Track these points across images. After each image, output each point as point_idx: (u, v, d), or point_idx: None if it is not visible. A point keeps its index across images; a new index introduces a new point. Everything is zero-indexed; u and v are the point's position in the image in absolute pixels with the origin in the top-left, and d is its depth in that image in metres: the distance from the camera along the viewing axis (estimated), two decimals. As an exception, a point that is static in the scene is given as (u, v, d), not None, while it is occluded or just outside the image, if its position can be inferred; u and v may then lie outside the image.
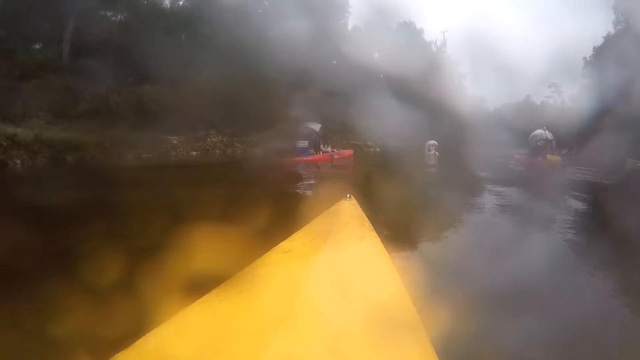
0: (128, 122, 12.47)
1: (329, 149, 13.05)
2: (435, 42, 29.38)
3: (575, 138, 13.54)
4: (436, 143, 17.56)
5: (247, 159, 12.65)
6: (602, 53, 19.22)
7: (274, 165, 9.99)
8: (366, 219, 1.59)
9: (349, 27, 24.00)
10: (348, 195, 1.83)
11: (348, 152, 13.57)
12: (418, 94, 18.03)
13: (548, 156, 12.34)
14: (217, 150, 14.46)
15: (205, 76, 12.35)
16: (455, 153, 16.72)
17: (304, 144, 12.11)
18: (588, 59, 21.47)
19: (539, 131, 13.43)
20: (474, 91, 31.95)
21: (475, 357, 1.38)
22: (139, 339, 0.71)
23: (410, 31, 26.25)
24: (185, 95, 12.77)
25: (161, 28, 14.21)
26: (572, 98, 25.30)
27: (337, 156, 12.49)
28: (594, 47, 20.84)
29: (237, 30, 14.66)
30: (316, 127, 12.73)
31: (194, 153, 13.53)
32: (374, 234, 1.40)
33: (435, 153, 16.81)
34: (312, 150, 12.18)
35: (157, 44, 12.64)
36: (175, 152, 13.32)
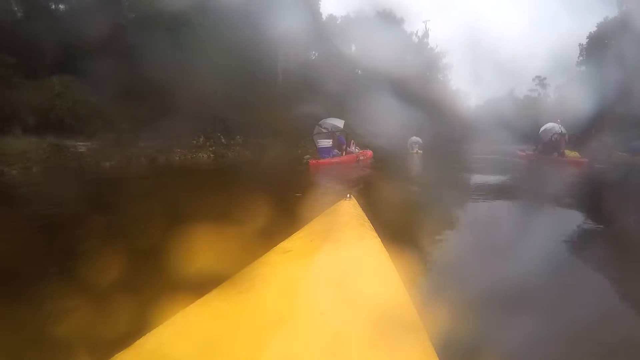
0: (24, 125, 9.65)
1: (354, 148, 11.33)
2: (417, 32, 28.46)
3: (581, 132, 12.54)
4: (420, 140, 15.64)
5: (199, 169, 10.18)
6: (599, 40, 18.73)
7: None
8: (366, 219, 1.59)
9: (323, 16, 22.01)
10: (348, 195, 1.84)
11: (369, 152, 12.10)
12: (399, 88, 16.49)
13: (566, 152, 11.20)
14: (143, 158, 11.15)
15: (144, 65, 9.81)
16: (442, 152, 14.91)
17: (326, 143, 10.25)
18: (584, 44, 20.97)
19: (551, 124, 12.19)
20: (458, 85, 30.79)
21: (475, 357, 1.38)
22: (139, 339, 0.72)
23: (389, 21, 24.67)
24: (112, 89, 10.21)
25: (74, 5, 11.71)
26: (558, 90, 25.01)
27: (362, 157, 10.93)
28: (590, 33, 20.35)
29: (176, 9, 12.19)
30: (339, 123, 10.92)
31: (107, 164, 10.12)
32: (374, 234, 1.40)
33: (417, 152, 15.04)
34: (336, 150, 10.39)
35: (76, 25, 10.23)
36: (80, 162, 9.86)
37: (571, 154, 11.08)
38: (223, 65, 12.23)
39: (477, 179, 7.83)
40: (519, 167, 10.92)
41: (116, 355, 0.68)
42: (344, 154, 10.58)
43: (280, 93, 15.01)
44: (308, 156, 10.20)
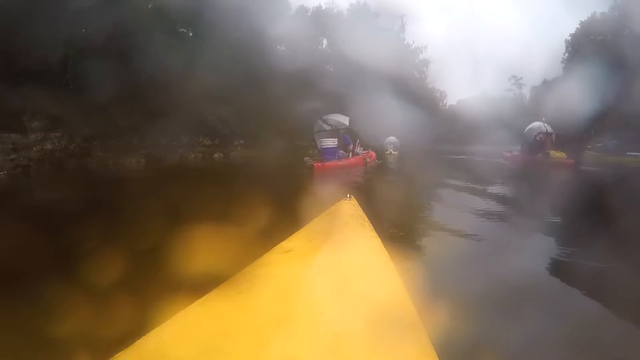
0: None
1: (360, 149, 9.95)
2: (393, 27, 27.80)
3: (567, 131, 11.87)
4: (396, 141, 14.70)
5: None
6: (586, 35, 18.46)
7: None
8: (366, 219, 1.59)
9: (292, 9, 20.77)
10: (348, 195, 1.84)
11: (372, 153, 10.91)
12: (374, 85, 15.43)
13: (551, 152, 10.43)
14: (47, 165, 8.61)
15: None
16: (419, 153, 13.72)
17: (331, 143, 8.80)
18: (569, 39, 20.77)
19: (537, 123, 11.52)
20: (439, 83, 29.91)
21: (475, 357, 1.38)
22: (139, 339, 0.72)
23: (363, 15, 23.79)
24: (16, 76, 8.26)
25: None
26: (533, 89, 24.64)
27: (369, 159, 9.69)
28: (577, 28, 20.09)
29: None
30: (344, 119, 9.56)
31: (2, 174, 7.66)
32: (374, 234, 1.40)
33: (391, 152, 14.14)
34: (342, 151, 9.00)
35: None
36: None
37: (557, 155, 10.38)
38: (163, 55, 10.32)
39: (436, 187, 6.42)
40: (495, 170, 9.49)
41: (116, 355, 0.68)
42: (350, 155, 9.16)
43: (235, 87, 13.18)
44: (308, 158, 8.86)
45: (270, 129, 12.57)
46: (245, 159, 11.39)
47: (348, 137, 9.50)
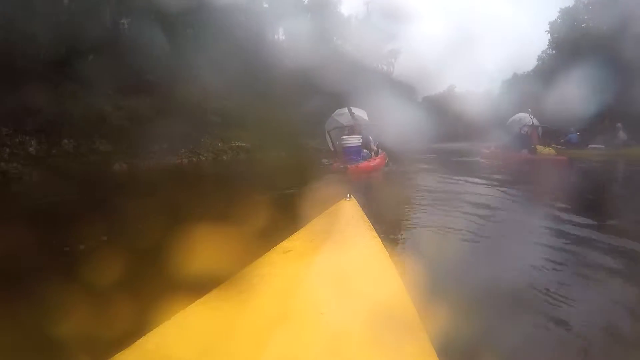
0: None
1: (377, 147, 8.57)
2: (357, 15, 26.09)
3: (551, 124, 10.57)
4: (371, 140, 13.87)
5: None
6: (570, 20, 17.87)
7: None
8: (366, 219, 1.60)
9: None
10: (348, 195, 1.84)
11: (384, 153, 9.78)
12: (332, 78, 13.96)
13: (538, 148, 9.36)
14: None
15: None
16: (394, 152, 13.47)
17: (355, 141, 7.49)
18: (554, 21, 20.00)
19: (521, 114, 10.19)
20: (403, 77, 27.59)
21: (475, 357, 1.38)
22: (139, 339, 0.72)
23: (322, 2, 21.87)
24: None
25: None
26: (504, 83, 24.08)
27: (387, 158, 8.67)
28: (559, 10, 19.30)
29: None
30: (363, 114, 8.37)
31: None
32: (374, 234, 1.40)
33: None
34: (366, 151, 7.74)
35: None
36: None
37: (545, 151, 9.27)
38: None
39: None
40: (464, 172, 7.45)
41: (116, 355, 0.68)
42: (372, 154, 7.96)
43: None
44: (326, 160, 7.74)
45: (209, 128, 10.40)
46: (175, 169, 8.56)
47: (369, 135, 8.26)
